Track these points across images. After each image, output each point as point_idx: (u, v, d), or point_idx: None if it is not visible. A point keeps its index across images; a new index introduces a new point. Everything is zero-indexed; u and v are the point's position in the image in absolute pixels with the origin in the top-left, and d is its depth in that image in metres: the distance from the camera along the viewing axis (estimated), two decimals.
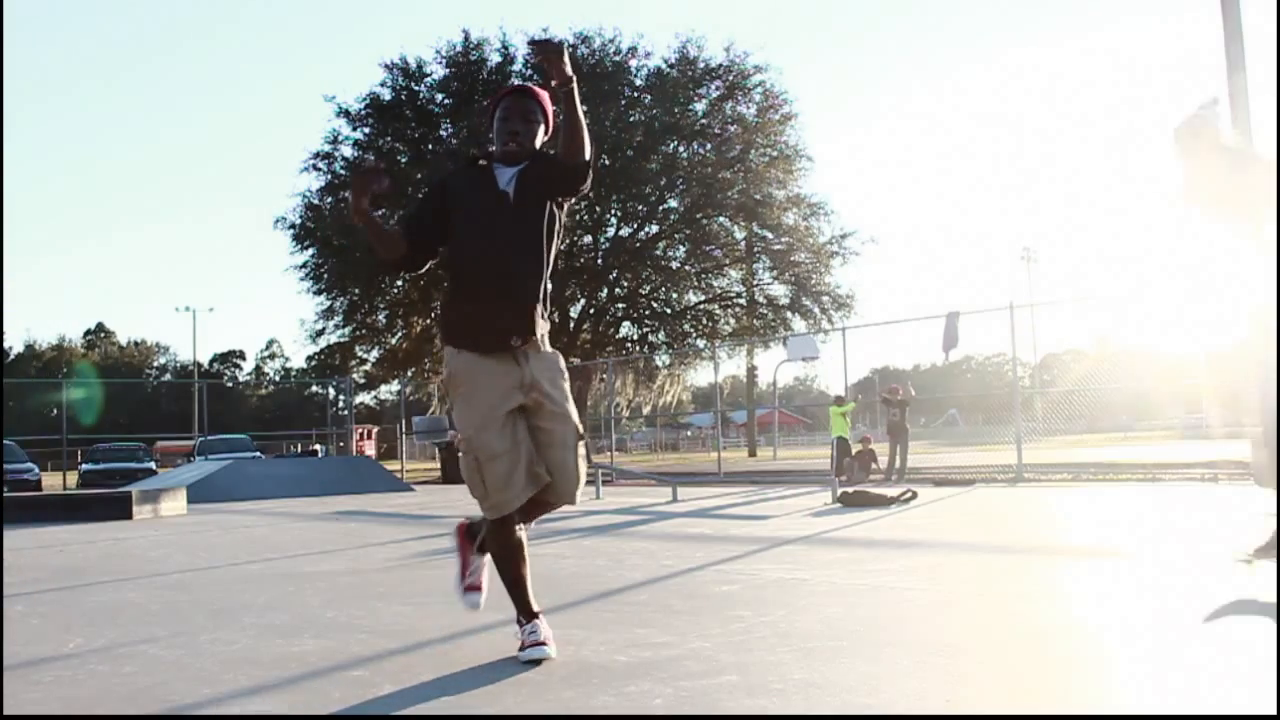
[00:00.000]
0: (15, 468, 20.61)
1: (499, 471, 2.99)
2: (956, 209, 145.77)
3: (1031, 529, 7.37)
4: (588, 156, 3.07)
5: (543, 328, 3.15)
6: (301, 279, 31.99)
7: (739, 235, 32.17)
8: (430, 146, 31.36)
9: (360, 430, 34.65)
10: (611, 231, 32.29)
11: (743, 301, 32.82)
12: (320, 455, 28.35)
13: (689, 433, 67.41)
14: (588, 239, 31.66)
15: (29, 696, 2.80)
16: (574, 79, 3.00)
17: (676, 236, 31.96)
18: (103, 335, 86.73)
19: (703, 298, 32.97)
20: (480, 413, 3.01)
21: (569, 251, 30.40)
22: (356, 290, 31.90)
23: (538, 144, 3.21)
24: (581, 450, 3.14)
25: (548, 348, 3.18)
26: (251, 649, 3.38)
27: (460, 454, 3.12)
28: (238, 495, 14.97)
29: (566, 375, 3.19)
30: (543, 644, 3.02)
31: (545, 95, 3.24)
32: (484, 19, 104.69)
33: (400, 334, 33.95)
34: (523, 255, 3.10)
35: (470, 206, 3.13)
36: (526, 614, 3.11)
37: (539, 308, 3.12)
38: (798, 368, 39.75)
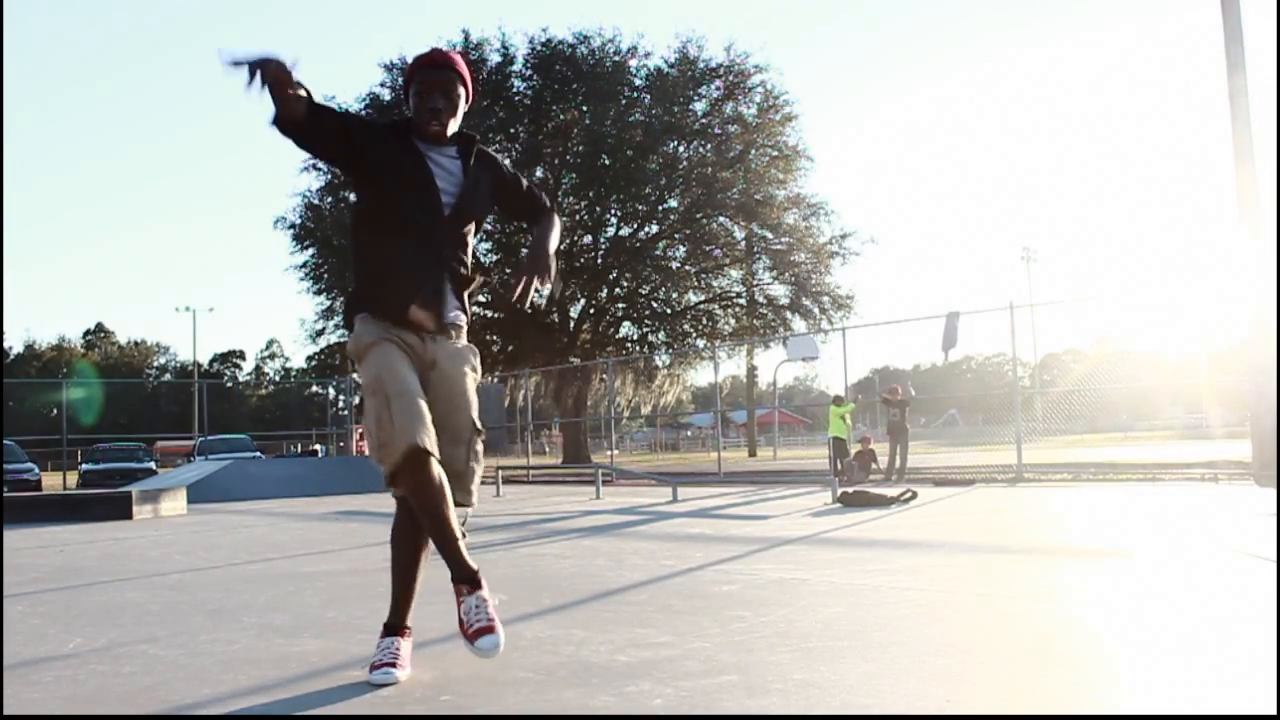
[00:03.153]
0: (15, 468, 20.61)
1: (414, 406, 2.72)
2: (956, 209, 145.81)
3: (1031, 529, 7.37)
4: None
5: (460, 319, 3.01)
6: (301, 279, 32.03)
7: (739, 235, 32.16)
8: None
9: (360, 430, 34.54)
10: (611, 231, 32.28)
11: (743, 301, 32.82)
12: (320, 455, 28.34)
13: (689, 433, 67.43)
14: (588, 239, 31.65)
15: (29, 696, 2.80)
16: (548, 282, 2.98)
17: (676, 236, 31.95)
18: (102, 335, 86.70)
19: (703, 298, 32.96)
20: (392, 357, 2.81)
21: (569, 251, 30.40)
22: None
23: (459, 120, 3.02)
24: (478, 447, 2.94)
25: (463, 340, 3.02)
26: (251, 649, 3.38)
27: (364, 402, 2.82)
28: (238, 495, 14.97)
29: (477, 370, 3.01)
30: (489, 630, 2.71)
31: (463, 63, 3.03)
32: (484, 19, 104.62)
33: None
34: (456, 258, 2.98)
35: (399, 175, 2.92)
36: (469, 578, 2.78)
37: (457, 301, 2.99)
38: (798, 368, 39.78)
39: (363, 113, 30.91)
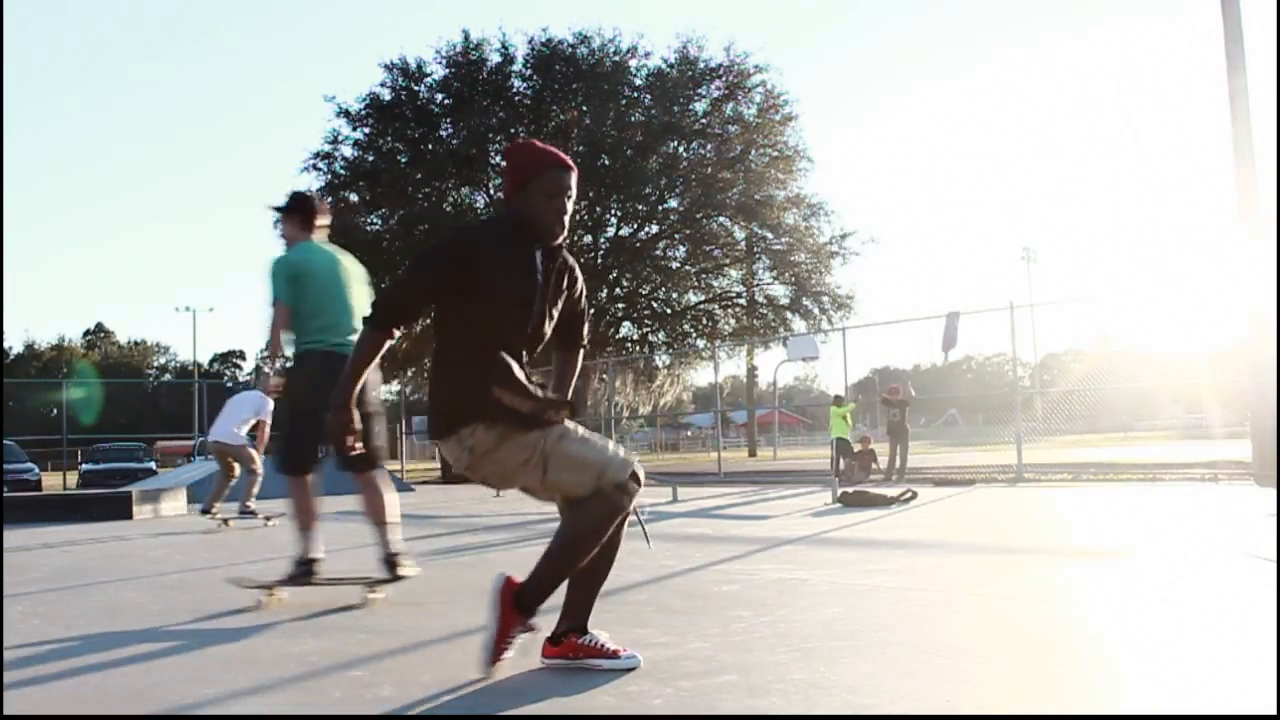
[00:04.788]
0: (15, 468, 20.62)
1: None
2: (956, 209, 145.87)
3: (1031, 529, 7.37)
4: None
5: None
6: None
7: (739, 235, 32.16)
8: (430, 146, 31.35)
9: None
10: (611, 231, 32.28)
11: (743, 301, 32.81)
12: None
13: (689, 433, 67.40)
14: (588, 239, 31.65)
15: (29, 696, 2.80)
16: None
17: (676, 236, 31.94)
18: (102, 335, 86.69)
19: (703, 298, 32.96)
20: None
21: (568, 251, 30.40)
22: None
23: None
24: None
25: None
26: (251, 649, 3.38)
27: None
28: (238, 495, 14.95)
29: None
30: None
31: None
32: (484, 19, 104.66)
33: (400, 334, 33.90)
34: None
35: (514, 293, 2.85)
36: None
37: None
38: (798, 368, 39.76)
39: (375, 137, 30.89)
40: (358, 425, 2.88)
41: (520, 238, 2.88)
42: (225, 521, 9.54)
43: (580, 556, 2.79)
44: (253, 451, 9.87)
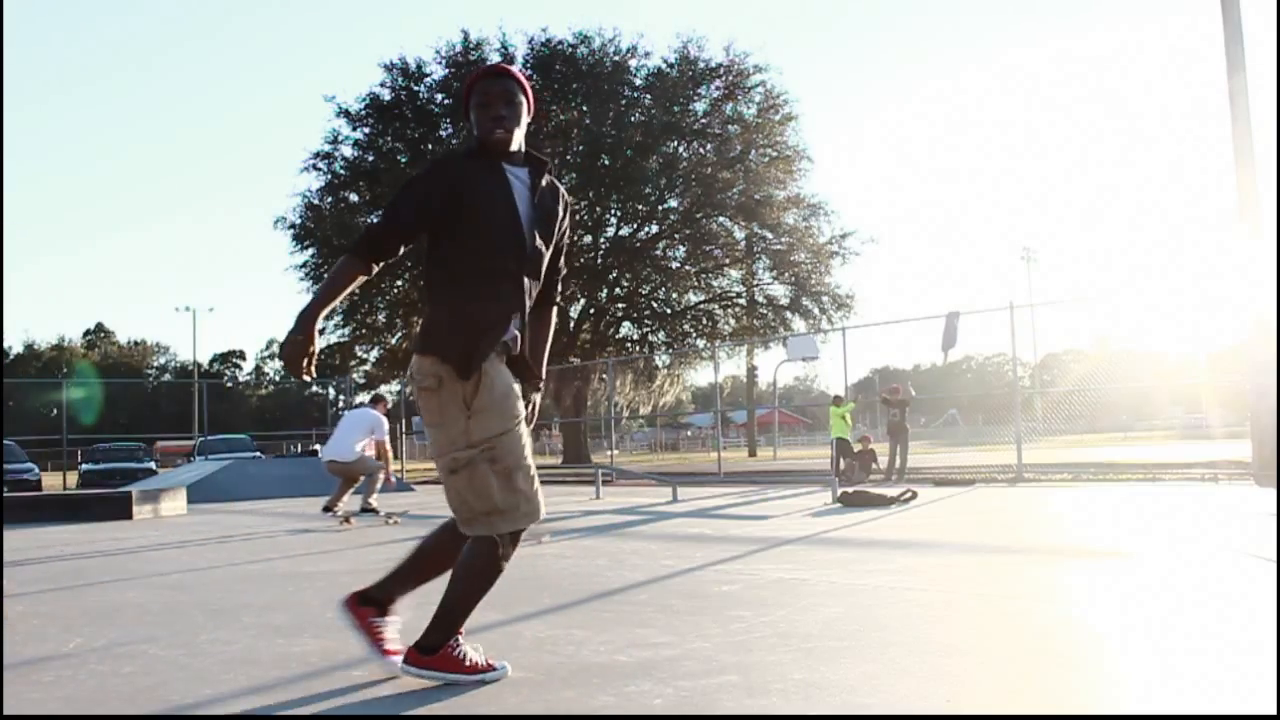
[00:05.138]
0: (15, 468, 20.61)
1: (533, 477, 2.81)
2: (956, 209, 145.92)
3: (1031, 529, 7.37)
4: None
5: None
6: (301, 279, 32.02)
7: (739, 235, 32.19)
8: (430, 146, 31.37)
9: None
10: (611, 231, 32.30)
11: (743, 301, 32.83)
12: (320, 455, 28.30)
13: (689, 433, 67.39)
14: (588, 239, 31.65)
15: (29, 696, 2.80)
16: None
17: (676, 236, 31.96)
18: (103, 335, 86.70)
19: (703, 298, 32.98)
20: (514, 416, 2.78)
21: (569, 252, 30.40)
22: (356, 290, 31.90)
23: (522, 129, 2.87)
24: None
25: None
26: (251, 649, 3.38)
27: (471, 464, 2.71)
28: (238, 495, 14.98)
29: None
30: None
31: (520, 74, 2.92)
32: (484, 19, 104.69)
33: (400, 334, 33.96)
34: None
35: (494, 205, 2.79)
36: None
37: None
38: (798, 368, 39.81)
39: (372, 124, 30.92)
40: (315, 349, 2.70)
41: (485, 158, 2.83)
42: (346, 519, 9.36)
43: (476, 597, 2.80)
44: (370, 459, 9.60)
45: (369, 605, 2.95)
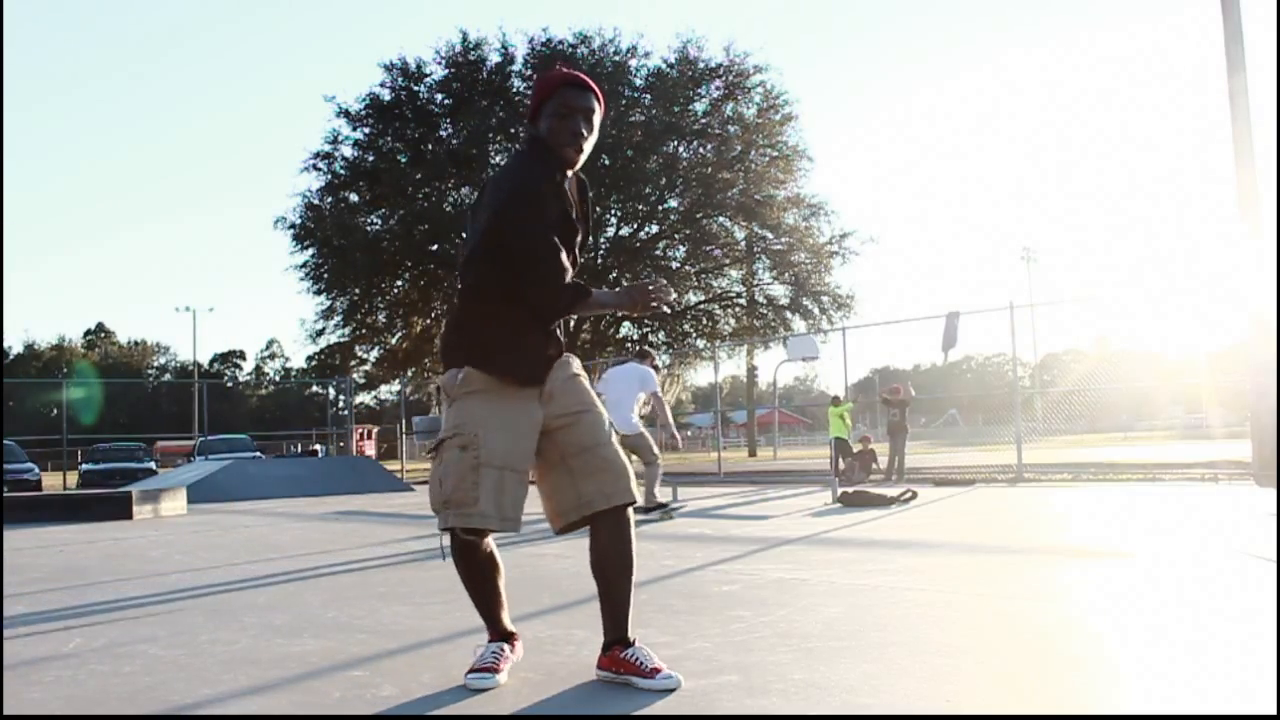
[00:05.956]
0: (15, 468, 20.60)
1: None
2: (956, 209, 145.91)
3: (1031, 529, 7.37)
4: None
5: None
6: (301, 279, 32.06)
7: (739, 235, 32.21)
8: (430, 146, 31.39)
9: (360, 430, 34.65)
10: (611, 231, 32.31)
11: (743, 301, 32.86)
12: (320, 455, 28.33)
13: (689, 433, 67.29)
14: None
15: (29, 696, 2.80)
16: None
17: (676, 236, 31.99)
18: (103, 335, 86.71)
19: (703, 298, 33.00)
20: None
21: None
22: (356, 290, 31.93)
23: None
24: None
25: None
26: (251, 649, 3.38)
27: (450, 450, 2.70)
28: (238, 495, 14.98)
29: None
30: (489, 670, 2.77)
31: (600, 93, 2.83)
32: (484, 19, 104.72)
33: (400, 334, 33.99)
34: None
35: (561, 226, 2.73)
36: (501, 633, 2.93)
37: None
38: (798, 368, 39.74)
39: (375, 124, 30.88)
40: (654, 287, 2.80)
41: (546, 169, 2.71)
42: (669, 514, 8.74)
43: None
44: (651, 440, 8.81)
45: (611, 649, 2.73)
